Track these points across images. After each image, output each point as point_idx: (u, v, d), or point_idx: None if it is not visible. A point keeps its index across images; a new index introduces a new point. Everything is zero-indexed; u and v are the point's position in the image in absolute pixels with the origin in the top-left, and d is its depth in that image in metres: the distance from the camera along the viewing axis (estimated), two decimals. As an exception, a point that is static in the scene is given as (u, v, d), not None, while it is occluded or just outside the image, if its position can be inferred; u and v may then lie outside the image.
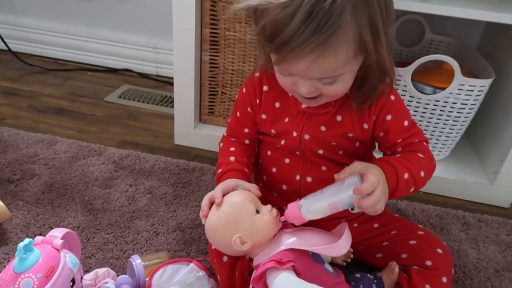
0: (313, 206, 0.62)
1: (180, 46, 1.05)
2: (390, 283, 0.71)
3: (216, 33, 1.06)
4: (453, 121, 0.99)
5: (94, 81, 1.56)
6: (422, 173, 0.66)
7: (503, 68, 1.08)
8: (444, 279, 0.68)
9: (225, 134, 0.82)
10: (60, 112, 1.32)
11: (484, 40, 1.28)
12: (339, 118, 0.69)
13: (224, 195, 0.65)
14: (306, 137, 0.71)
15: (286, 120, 0.72)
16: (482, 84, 0.94)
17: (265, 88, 0.73)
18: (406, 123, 0.69)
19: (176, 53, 1.07)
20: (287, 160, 0.75)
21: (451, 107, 0.97)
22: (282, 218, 0.64)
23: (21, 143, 1.10)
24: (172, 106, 1.15)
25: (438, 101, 0.97)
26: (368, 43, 0.56)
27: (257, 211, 0.65)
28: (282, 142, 0.73)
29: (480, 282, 0.79)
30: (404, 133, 0.69)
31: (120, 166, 1.04)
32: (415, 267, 0.70)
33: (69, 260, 0.65)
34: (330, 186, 0.62)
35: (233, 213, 0.64)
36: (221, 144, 0.80)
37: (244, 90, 0.76)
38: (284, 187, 0.76)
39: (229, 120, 0.81)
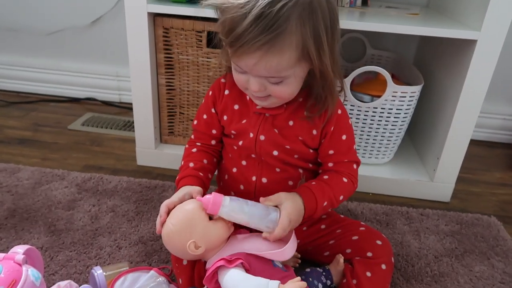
0: (233, 213, 0.68)
1: (137, 71, 1.12)
2: (337, 274, 0.78)
3: (170, 57, 1.13)
4: (392, 125, 1.09)
5: (57, 111, 1.59)
6: (341, 197, 0.75)
7: (433, 76, 1.20)
8: (383, 266, 0.75)
9: (192, 137, 0.87)
10: (23, 142, 1.34)
11: (419, 53, 1.41)
12: (291, 123, 0.75)
13: (169, 210, 0.71)
14: (262, 138, 0.76)
15: (244, 121, 0.78)
16: (412, 90, 1.04)
17: (226, 92, 0.79)
18: (344, 137, 0.76)
19: (133, 79, 1.13)
20: (244, 162, 0.80)
21: (388, 113, 1.07)
22: (199, 198, 0.69)
23: (-17, 173, 1.12)
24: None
25: (376, 108, 1.06)
26: (311, 51, 0.63)
27: (210, 218, 0.70)
28: (240, 143, 0.79)
29: (421, 268, 0.86)
30: (338, 147, 0.76)
31: (83, 188, 1.08)
32: (357, 258, 0.76)
33: (31, 273, 0.67)
34: (255, 205, 0.69)
35: (187, 220, 0.69)
36: (187, 146, 0.85)
37: (210, 93, 0.82)
38: (241, 187, 0.81)
39: (195, 123, 0.85)
